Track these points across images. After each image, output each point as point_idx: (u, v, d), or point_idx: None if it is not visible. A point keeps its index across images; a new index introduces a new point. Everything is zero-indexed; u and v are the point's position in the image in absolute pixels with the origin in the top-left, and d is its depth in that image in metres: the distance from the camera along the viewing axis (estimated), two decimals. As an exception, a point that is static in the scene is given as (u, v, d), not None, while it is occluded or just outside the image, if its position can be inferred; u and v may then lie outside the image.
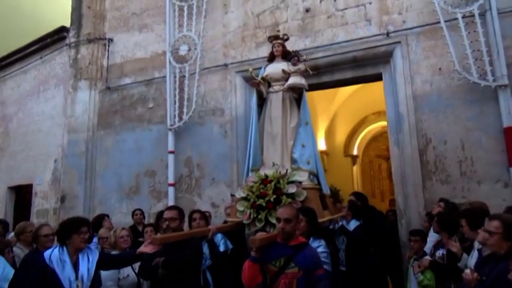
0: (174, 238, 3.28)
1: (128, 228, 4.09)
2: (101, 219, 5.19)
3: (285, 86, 4.53)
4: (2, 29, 11.45)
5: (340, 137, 12.02)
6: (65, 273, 2.89)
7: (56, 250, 2.98)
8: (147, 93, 7.06)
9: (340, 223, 4.63)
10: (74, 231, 3.02)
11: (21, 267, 3.28)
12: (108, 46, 7.60)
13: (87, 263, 3.06)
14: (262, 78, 4.73)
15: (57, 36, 8.22)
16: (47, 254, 2.96)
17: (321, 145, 10.88)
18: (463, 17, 4.78)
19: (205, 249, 3.66)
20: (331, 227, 4.64)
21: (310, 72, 4.58)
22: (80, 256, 3.07)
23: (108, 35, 7.67)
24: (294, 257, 2.65)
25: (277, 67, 4.65)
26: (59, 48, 8.28)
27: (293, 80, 4.45)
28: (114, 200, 6.92)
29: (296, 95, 4.61)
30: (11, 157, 8.81)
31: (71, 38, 7.82)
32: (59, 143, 7.65)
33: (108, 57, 7.57)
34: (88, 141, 7.24)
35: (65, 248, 3.00)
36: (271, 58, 4.89)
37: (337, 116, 11.38)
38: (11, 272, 3.32)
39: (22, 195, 8.75)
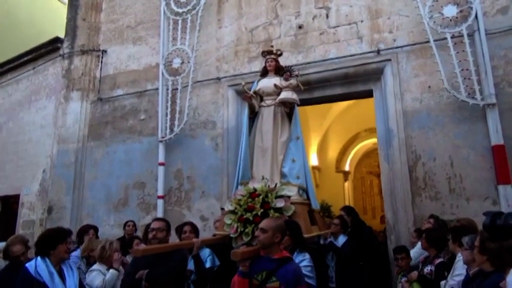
0: (157, 250, 3.22)
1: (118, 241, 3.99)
2: (84, 231, 4.96)
3: (277, 100, 4.56)
4: (-4, 38, 11.45)
5: (333, 152, 12.06)
6: (55, 286, 2.82)
7: (40, 262, 2.89)
8: (139, 105, 7.05)
9: (329, 239, 4.60)
10: (60, 241, 2.97)
11: (2, 283, 3.17)
12: (102, 58, 7.62)
13: (73, 276, 3.00)
14: (255, 92, 4.77)
15: (51, 47, 8.21)
16: (30, 266, 2.87)
17: (313, 160, 10.89)
18: (452, 37, 4.88)
19: (191, 265, 3.59)
20: (321, 242, 4.61)
21: (302, 87, 4.63)
22: (64, 268, 3.00)
23: (102, 47, 7.70)
24: (276, 271, 2.61)
25: (270, 82, 4.69)
26: (53, 59, 8.26)
27: (284, 94, 4.49)
28: (102, 212, 6.81)
29: (287, 110, 4.64)
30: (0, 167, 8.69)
31: (65, 49, 7.83)
32: (48, 153, 7.56)
33: (101, 69, 7.57)
34: (78, 152, 7.16)
35: (47, 259, 2.92)
36: (264, 73, 4.94)
37: (330, 132, 11.45)
38: None
39: (9, 205, 8.59)
